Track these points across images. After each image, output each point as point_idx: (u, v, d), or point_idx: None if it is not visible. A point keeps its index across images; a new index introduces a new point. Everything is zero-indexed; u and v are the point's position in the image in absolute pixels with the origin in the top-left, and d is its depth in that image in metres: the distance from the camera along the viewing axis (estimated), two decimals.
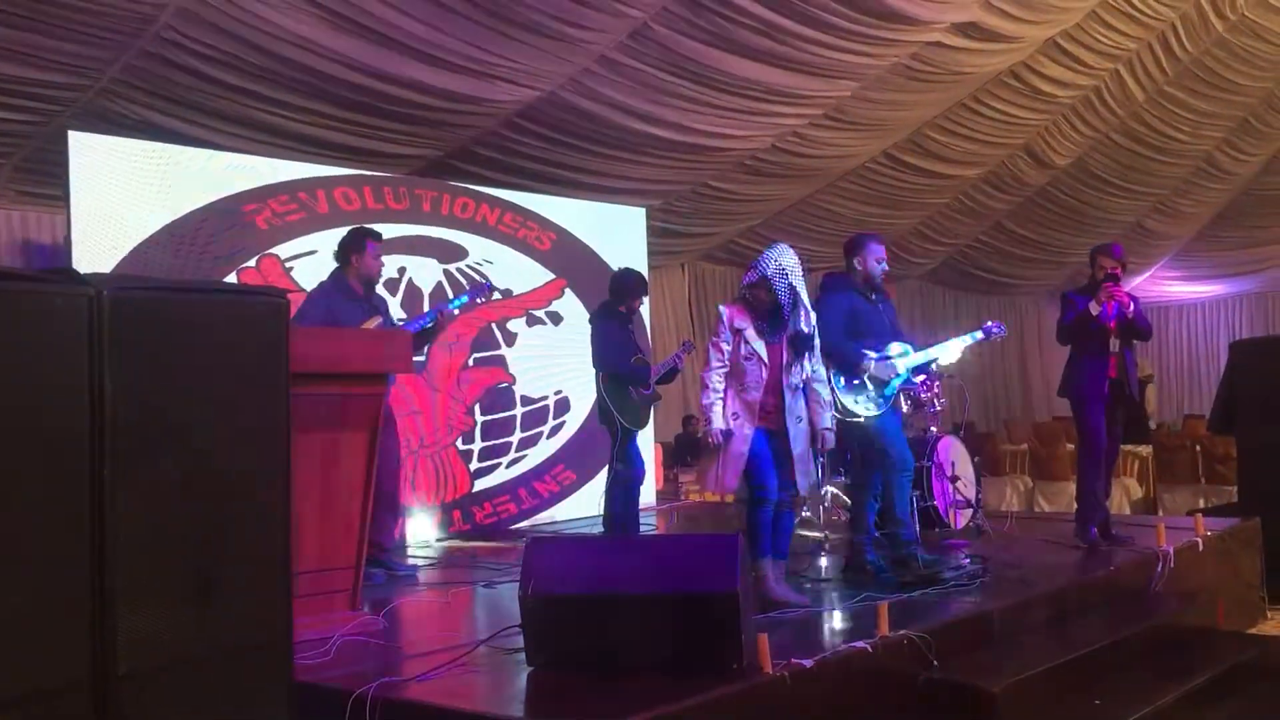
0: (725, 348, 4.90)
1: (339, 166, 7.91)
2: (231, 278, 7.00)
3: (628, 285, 6.81)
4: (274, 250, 7.29)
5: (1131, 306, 6.16)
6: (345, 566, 4.41)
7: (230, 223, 7.12)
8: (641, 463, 6.85)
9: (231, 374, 2.55)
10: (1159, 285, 17.33)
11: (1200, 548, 6.11)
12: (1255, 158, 13.32)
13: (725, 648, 3.49)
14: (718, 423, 4.91)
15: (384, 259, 6.05)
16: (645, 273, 7.60)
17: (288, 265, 7.30)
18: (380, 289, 6.36)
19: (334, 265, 5.95)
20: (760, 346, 4.87)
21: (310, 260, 7.31)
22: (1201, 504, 9.14)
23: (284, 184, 7.42)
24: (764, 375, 4.88)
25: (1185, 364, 17.89)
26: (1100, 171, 12.99)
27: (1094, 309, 6.12)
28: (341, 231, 7.35)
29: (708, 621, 3.51)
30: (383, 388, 4.64)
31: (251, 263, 7.16)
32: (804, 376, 4.92)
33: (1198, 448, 10.80)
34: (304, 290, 7.09)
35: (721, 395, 4.88)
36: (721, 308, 5.04)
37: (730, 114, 9.07)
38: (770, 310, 4.89)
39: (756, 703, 3.49)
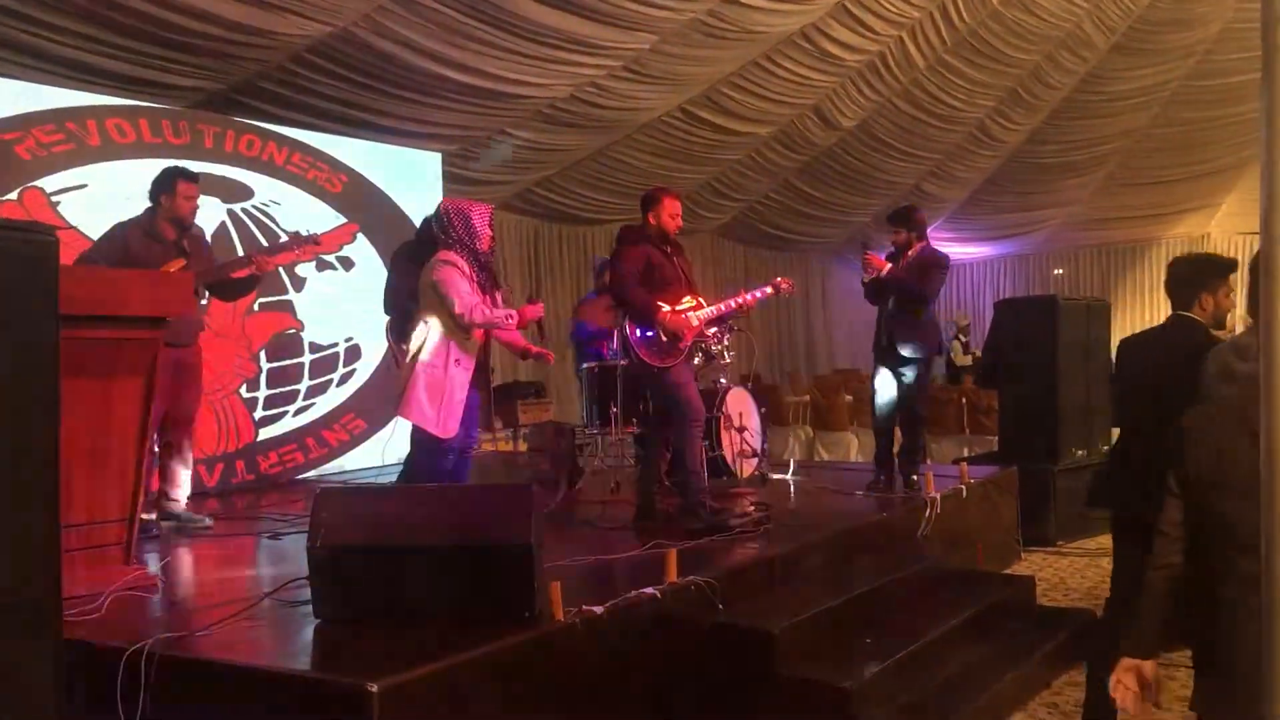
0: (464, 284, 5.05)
1: (112, 96, 7.41)
2: None
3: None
4: (38, 183, 6.79)
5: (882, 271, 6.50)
6: (119, 519, 4.20)
7: None
8: None
9: None
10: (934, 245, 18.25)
11: (964, 494, 6.51)
12: (1023, 127, 14.14)
13: (518, 596, 3.52)
14: (467, 370, 5.10)
15: (199, 200, 5.79)
16: None
17: (54, 199, 6.82)
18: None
19: (111, 202, 5.67)
20: (480, 296, 5.09)
21: (79, 195, 6.86)
22: (966, 453, 9.73)
23: (50, 112, 6.91)
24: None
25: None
26: (883, 135, 13.52)
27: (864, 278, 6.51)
28: (114, 165, 6.96)
29: (501, 572, 3.52)
30: (161, 332, 4.41)
31: (13, 195, 6.65)
32: None
33: (964, 400, 11.47)
34: (72, 227, 6.67)
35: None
36: (449, 254, 5.11)
37: (530, 61, 8.98)
38: (488, 260, 5.13)
39: (548, 649, 3.53)
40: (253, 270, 5.82)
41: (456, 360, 5.11)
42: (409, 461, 5.33)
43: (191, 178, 5.73)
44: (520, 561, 3.49)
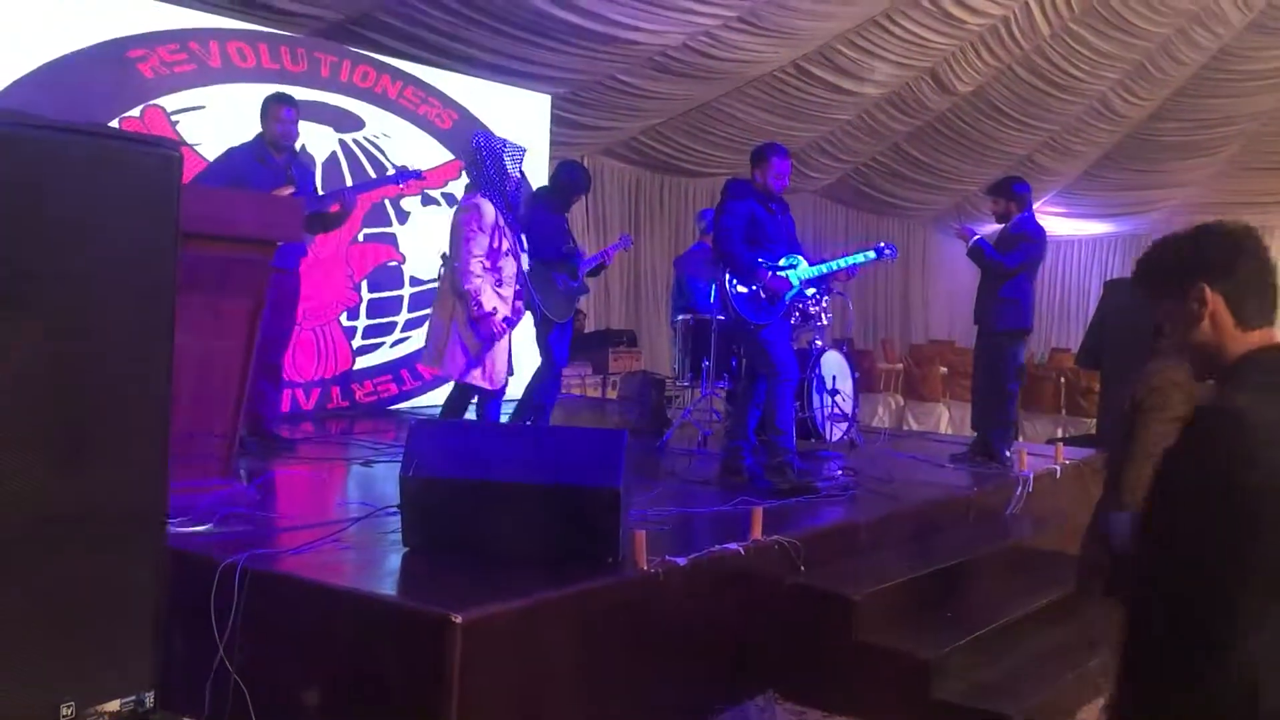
0: (483, 240, 5.13)
1: (234, 19, 7.52)
2: (114, 126, 6.67)
3: (575, 181, 6.62)
4: (159, 101, 6.93)
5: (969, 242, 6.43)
6: (221, 434, 4.32)
7: (114, 68, 6.74)
8: (560, 353, 6.52)
9: (115, 227, 2.43)
10: (1042, 219, 17.77)
11: (1058, 475, 6.38)
12: (1147, 102, 13.65)
13: (603, 541, 3.54)
14: (503, 310, 5.19)
15: (296, 125, 5.90)
16: (545, 162, 7.49)
17: (174, 118, 6.96)
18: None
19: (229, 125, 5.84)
20: (510, 239, 5.14)
21: (198, 115, 6.99)
22: (1060, 434, 9.53)
23: (174, 32, 7.03)
24: (515, 269, 5.21)
25: (1058, 298, 18.45)
26: (999, 103, 13.15)
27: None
28: (233, 88, 7.08)
29: (588, 515, 3.54)
30: (269, 253, 4.50)
31: (135, 112, 6.80)
32: None
33: (1062, 379, 11.23)
34: (190, 145, 6.81)
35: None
36: (477, 198, 5.21)
37: (645, 7, 8.89)
38: (514, 202, 5.21)
39: (630, 597, 3.55)
40: (342, 208, 5.95)
41: (493, 310, 5.24)
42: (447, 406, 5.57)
43: (287, 101, 5.84)
44: (608, 507, 3.50)
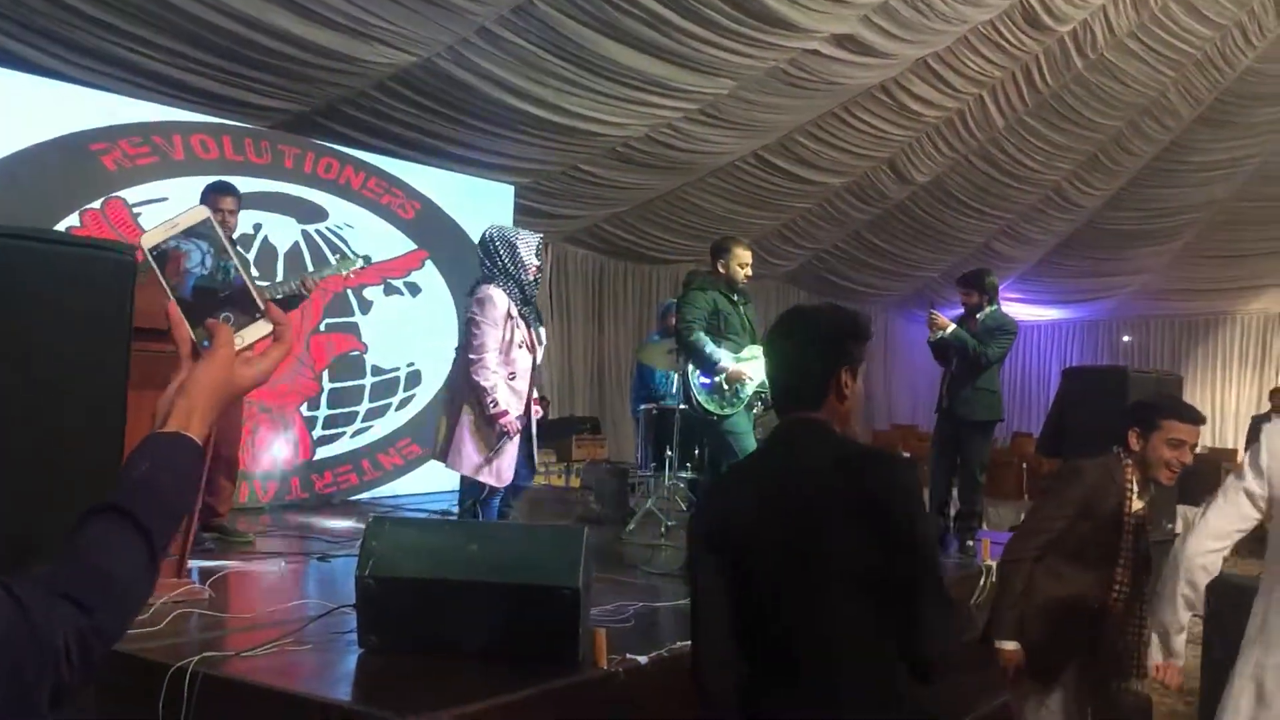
0: (496, 333, 5.02)
1: (198, 112, 7.58)
2: (73, 218, 6.65)
3: None
4: (121, 193, 6.94)
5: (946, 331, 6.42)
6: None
7: (76, 160, 6.75)
8: None
9: (69, 331, 2.41)
10: (1002, 307, 18.03)
11: None
12: (1101, 192, 13.96)
13: (563, 641, 3.48)
14: (516, 407, 5.07)
15: (236, 215, 5.84)
16: None
17: (135, 210, 6.96)
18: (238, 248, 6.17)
19: None
20: (524, 332, 5.05)
21: (160, 207, 6.99)
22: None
23: (137, 125, 7.07)
24: (529, 363, 5.10)
25: (1019, 383, 18.59)
26: (956, 191, 13.41)
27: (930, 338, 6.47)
28: (196, 180, 7.08)
29: (547, 615, 3.49)
30: None
31: (96, 204, 6.80)
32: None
33: (1024, 465, 11.28)
34: None
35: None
36: (490, 290, 5.08)
37: (608, 100, 9.04)
38: (532, 294, 5.14)
39: (590, 697, 3.49)
40: (298, 290, 5.87)
41: (506, 409, 5.09)
42: (462, 502, 5.39)
43: (224, 189, 5.76)
44: (567, 606, 3.45)
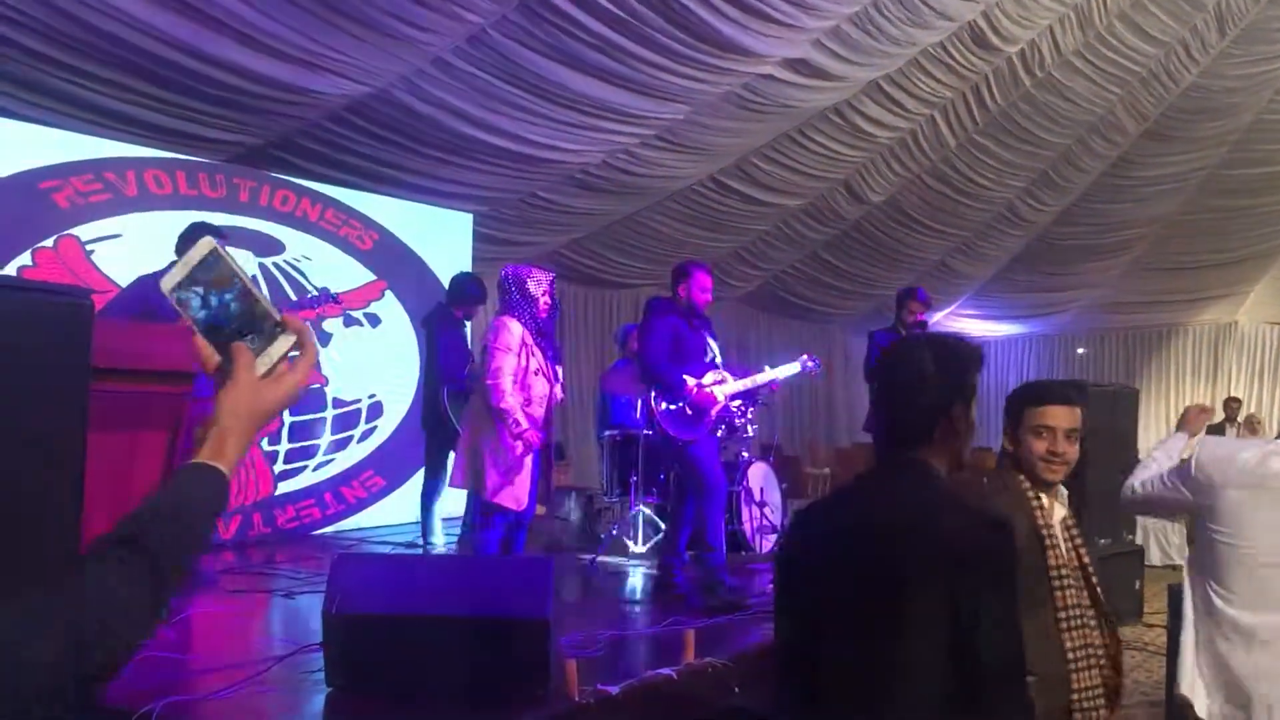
0: (511, 359, 5.11)
1: (151, 147, 7.51)
2: (25, 257, 6.57)
3: (471, 292, 6.76)
4: (74, 231, 6.86)
5: None
6: None
7: (27, 198, 6.68)
8: None
9: (21, 383, 2.37)
10: (957, 322, 18.19)
11: None
12: (1051, 208, 14.14)
13: (533, 673, 3.47)
14: (529, 428, 5.11)
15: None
16: None
17: (89, 248, 6.89)
18: None
19: (145, 253, 5.71)
20: (540, 360, 5.12)
21: (114, 245, 6.93)
22: None
23: (89, 162, 7.00)
24: (546, 390, 5.16)
25: (980, 401, 18.70)
26: (911, 211, 13.53)
27: None
28: (149, 216, 7.03)
29: (516, 647, 3.47)
30: (188, 386, 4.42)
31: (48, 242, 6.73)
32: None
33: (984, 480, 11.35)
34: (105, 275, 6.72)
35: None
36: (504, 319, 5.19)
37: (564, 127, 9.05)
38: (548, 327, 5.22)
39: None
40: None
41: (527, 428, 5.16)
42: (471, 531, 5.41)
43: (219, 233, 5.78)
44: (537, 638, 3.44)
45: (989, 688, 1.95)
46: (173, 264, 1.27)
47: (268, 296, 1.40)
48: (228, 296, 1.26)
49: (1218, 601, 3.62)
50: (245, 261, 7.66)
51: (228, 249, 1.29)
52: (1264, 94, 11.89)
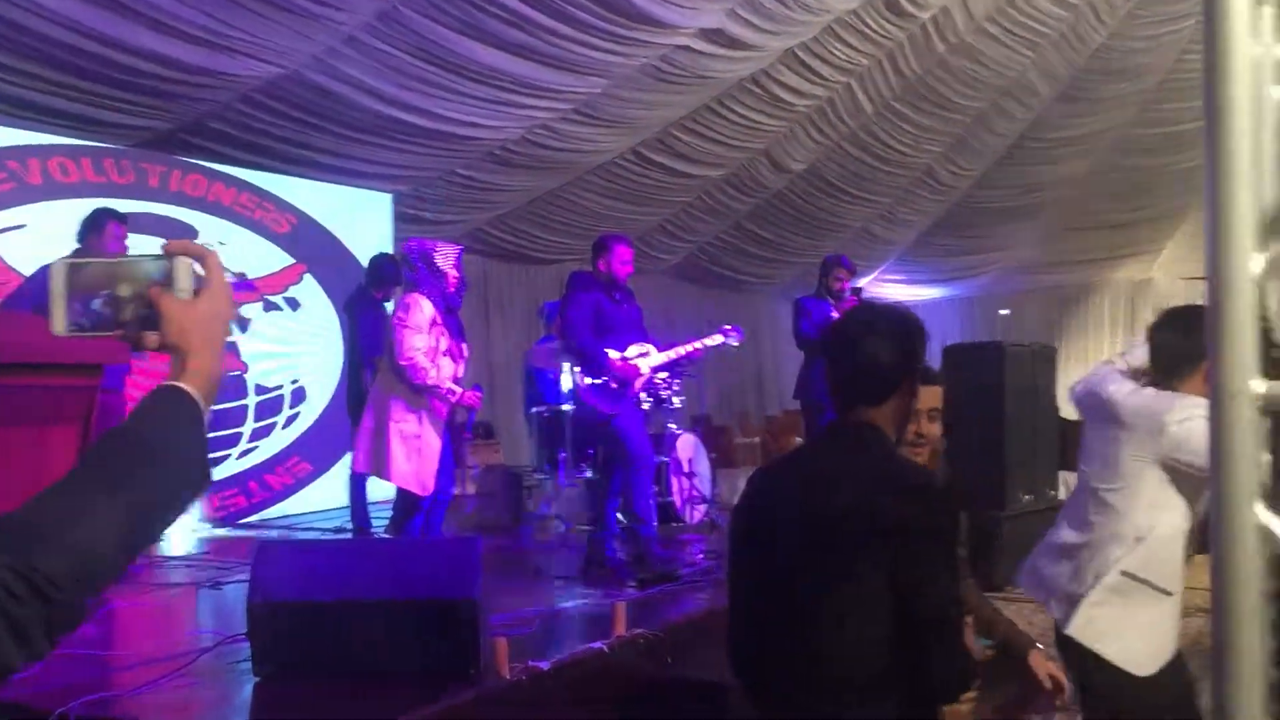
0: (422, 338, 5.06)
1: (55, 134, 7.30)
2: None
3: (389, 273, 6.68)
4: None
5: None
6: None
7: None
8: None
9: None
10: (883, 287, 18.40)
11: None
12: (970, 172, 14.33)
13: (463, 654, 3.45)
14: (463, 390, 5.10)
15: (128, 243, 5.70)
16: None
17: None
18: None
19: (52, 243, 5.58)
20: (449, 341, 5.09)
21: (18, 235, 6.74)
22: None
23: None
24: (453, 371, 5.14)
25: None
26: (832, 179, 13.64)
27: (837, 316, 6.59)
28: (55, 205, 6.85)
29: (446, 628, 3.46)
30: (96, 379, 4.33)
31: None
32: None
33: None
34: (10, 267, 6.54)
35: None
36: (413, 296, 5.15)
37: (481, 103, 8.96)
38: (456, 303, 5.18)
39: (494, 708, 3.46)
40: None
41: (430, 411, 5.12)
42: (395, 516, 5.39)
43: (120, 219, 5.64)
44: (465, 617, 3.42)
45: (926, 635, 2.12)
46: (49, 307, 1.22)
47: (139, 251, 1.38)
48: (109, 291, 1.23)
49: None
50: (154, 249, 7.48)
51: (82, 257, 1.25)
52: (1170, 55, 12.13)
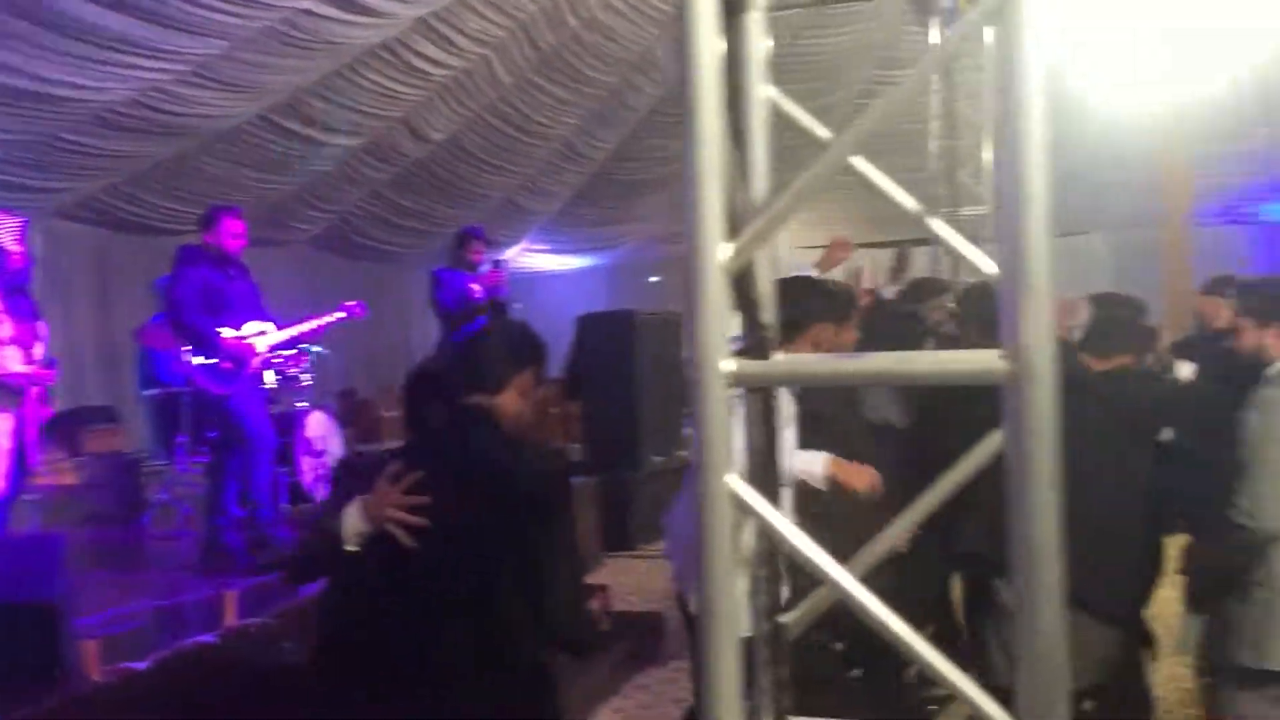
0: None
1: None
2: None
3: None
4: None
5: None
6: None
7: None
8: None
9: None
10: (531, 257, 18.64)
11: None
12: (606, 145, 14.76)
13: (42, 658, 3.23)
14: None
15: None
16: None
17: None
18: None
19: None
20: (10, 327, 4.77)
21: None
22: None
23: None
24: (20, 360, 4.80)
25: (551, 332, 19.27)
26: (473, 149, 13.63)
27: (478, 289, 6.69)
28: None
29: (23, 632, 3.22)
30: None
31: None
32: None
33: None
34: None
35: None
36: None
37: (80, 62, 8.26)
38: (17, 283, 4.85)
39: (84, 713, 3.26)
40: None
41: None
42: None
43: None
44: (43, 619, 3.20)
45: (554, 611, 2.26)
46: None
47: None
48: None
49: None
50: None
51: None
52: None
